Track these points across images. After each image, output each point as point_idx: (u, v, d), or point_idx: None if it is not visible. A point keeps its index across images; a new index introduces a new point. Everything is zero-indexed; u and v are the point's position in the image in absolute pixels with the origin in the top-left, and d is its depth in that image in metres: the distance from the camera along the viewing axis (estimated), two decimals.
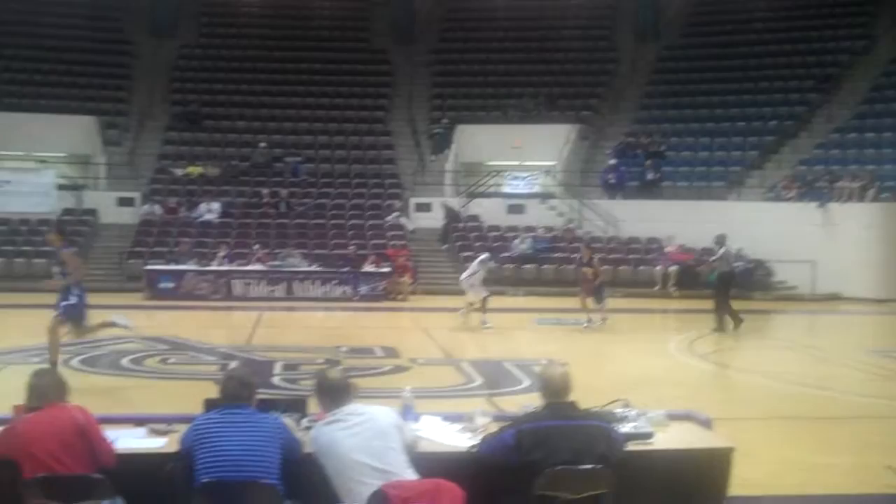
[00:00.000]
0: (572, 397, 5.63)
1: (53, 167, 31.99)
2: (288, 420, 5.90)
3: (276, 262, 26.86)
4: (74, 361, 14.28)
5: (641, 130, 34.98)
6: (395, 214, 31.41)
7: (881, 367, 15.95)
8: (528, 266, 28.76)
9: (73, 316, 12.95)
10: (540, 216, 31.47)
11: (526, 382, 12.96)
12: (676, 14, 41.14)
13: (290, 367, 14.39)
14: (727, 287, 20.13)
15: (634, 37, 40.80)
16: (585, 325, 19.46)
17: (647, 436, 6.07)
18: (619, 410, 6.28)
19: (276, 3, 43.07)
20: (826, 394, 13.21)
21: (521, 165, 34.08)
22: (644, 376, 13.61)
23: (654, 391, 11.82)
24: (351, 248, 28.17)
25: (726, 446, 6.11)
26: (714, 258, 20.81)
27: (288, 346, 17.18)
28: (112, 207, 31.33)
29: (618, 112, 37.49)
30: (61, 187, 31.11)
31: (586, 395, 5.81)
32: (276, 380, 13.01)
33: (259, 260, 26.92)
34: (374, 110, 38.28)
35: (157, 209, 30.96)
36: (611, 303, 20.55)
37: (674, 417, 6.60)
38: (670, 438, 6.18)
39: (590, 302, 19.75)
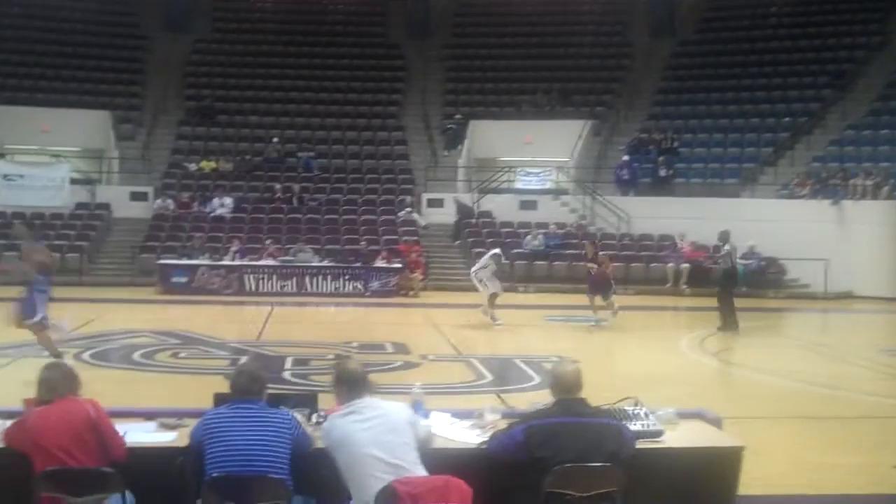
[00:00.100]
0: (583, 395, 5.63)
1: (67, 161, 32.04)
2: (298, 415, 5.91)
3: (288, 257, 26.87)
4: (86, 355, 14.32)
5: (655, 126, 34.87)
6: (407, 210, 31.39)
7: (893, 366, 15.91)
8: (539, 262, 28.70)
9: (20, 310, 12.83)
10: (552, 212, 31.41)
11: (536, 379, 12.96)
12: (690, 10, 40.98)
13: (300, 362, 14.41)
14: (731, 285, 20.02)
15: (648, 32, 40.64)
16: (594, 323, 19.38)
17: (657, 434, 6.06)
18: (629, 408, 6.27)
19: None
20: (837, 393, 13.18)
21: (533, 161, 34.05)
22: (654, 374, 13.60)
23: (664, 389, 11.80)
24: (362, 243, 28.19)
25: (737, 445, 6.09)
26: (719, 255, 20.67)
27: (299, 342, 17.20)
28: (125, 202, 31.39)
29: (631, 108, 37.38)
30: (74, 181, 31.16)
31: (596, 393, 5.80)
32: (286, 375, 13.05)
33: (271, 255, 26.94)
34: (387, 105, 38.27)
35: (170, 204, 31.01)
36: (622, 300, 20.53)
37: (684, 416, 6.58)
38: (680, 437, 6.17)
39: (598, 299, 19.66)
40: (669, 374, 13.91)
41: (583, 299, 20.71)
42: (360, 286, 26.20)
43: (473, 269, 20.37)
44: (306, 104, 37.68)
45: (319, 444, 5.66)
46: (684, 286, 27.59)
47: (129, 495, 5.36)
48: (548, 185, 33.38)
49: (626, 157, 32.79)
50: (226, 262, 26.48)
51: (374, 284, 26.21)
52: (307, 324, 21.69)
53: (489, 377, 13.50)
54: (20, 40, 36.52)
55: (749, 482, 6.17)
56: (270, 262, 26.60)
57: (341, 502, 5.34)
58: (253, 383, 5.59)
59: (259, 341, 17.11)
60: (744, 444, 6.08)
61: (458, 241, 30.62)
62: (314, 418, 6.17)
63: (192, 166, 33.53)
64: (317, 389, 9.98)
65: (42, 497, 5.21)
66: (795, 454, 9.15)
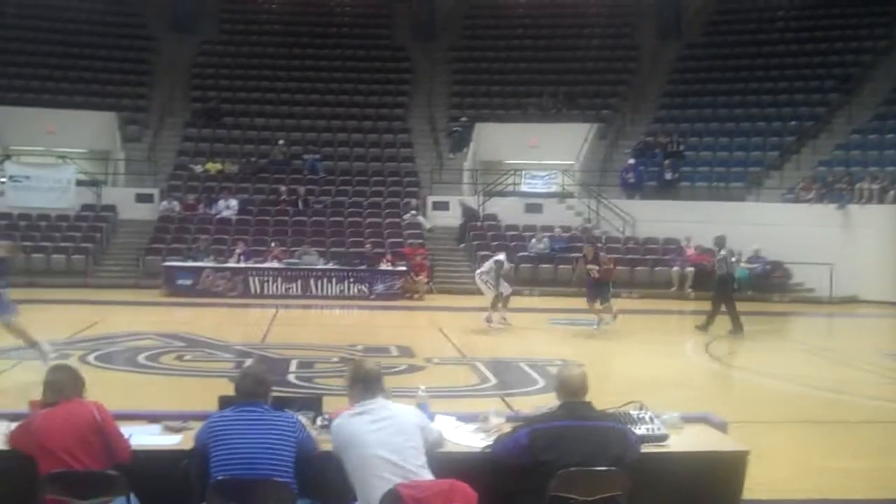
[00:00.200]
0: (588, 398, 5.62)
1: (73, 163, 32.08)
2: (303, 418, 5.91)
3: (293, 260, 26.87)
4: (91, 357, 14.32)
5: (660, 130, 34.86)
6: (412, 213, 31.40)
7: None
8: (544, 266, 28.68)
9: None
10: (557, 215, 31.42)
11: (541, 383, 12.96)
12: (697, 13, 40.99)
13: (305, 364, 14.40)
14: (726, 289, 19.99)
15: (655, 35, 40.63)
16: (595, 327, 19.34)
17: (662, 438, 6.05)
18: (633, 412, 6.26)
19: (296, 0, 43.17)
20: (842, 397, 13.16)
21: (539, 164, 34.04)
22: (659, 378, 13.58)
23: (669, 393, 11.80)
24: (367, 246, 28.19)
25: (742, 449, 6.09)
26: (716, 260, 20.57)
27: (303, 344, 17.18)
28: (131, 203, 31.43)
29: (637, 111, 37.38)
30: (80, 183, 31.20)
31: (601, 397, 5.80)
32: (291, 377, 13.04)
33: (276, 257, 26.96)
34: (393, 108, 38.29)
35: (176, 205, 31.04)
36: (627, 303, 20.51)
37: (689, 420, 6.58)
38: (685, 441, 6.17)
39: (597, 304, 19.58)
40: (674, 377, 13.89)
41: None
42: (364, 289, 26.20)
43: (478, 271, 20.38)
44: (312, 106, 37.71)
45: (324, 447, 5.68)
46: (689, 290, 27.55)
47: (133, 498, 5.37)
48: (553, 189, 33.37)
49: (631, 161, 32.80)
50: (231, 265, 26.49)
51: (379, 287, 26.20)
52: (312, 326, 21.68)
53: (493, 380, 13.49)
54: (26, 41, 36.64)
55: (753, 486, 6.16)
56: (275, 264, 26.61)
57: None
58: (258, 386, 5.60)
59: (264, 344, 17.11)
60: (749, 448, 6.07)
61: (463, 244, 30.62)
62: (319, 421, 6.16)
63: (198, 168, 33.58)
64: (321, 392, 9.99)
65: (47, 499, 5.21)
66: (799, 458, 9.14)
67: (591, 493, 5.24)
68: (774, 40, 38.05)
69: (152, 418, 6.36)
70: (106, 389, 7.75)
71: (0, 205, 30.12)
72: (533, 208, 31.73)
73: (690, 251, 28.44)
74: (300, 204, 31.46)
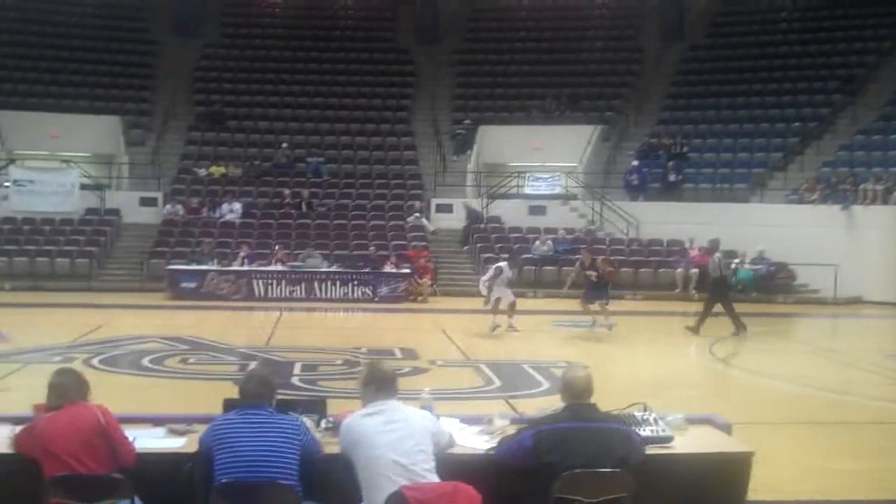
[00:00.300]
0: (592, 400, 5.62)
1: (77, 167, 32.12)
2: (307, 420, 5.91)
3: (297, 263, 26.90)
4: (95, 361, 14.33)
5: (664, 131, 34.86)
6: (416, 215, 31.39)
7: None
8: (548, 268, 28.66)
9: None
10: (561, 218, 31.39)
11: (545, 385, 12.96)
12: (700, 15, 40.99)
13: (309, 367, 14.42)
14: (720, 291, 19.98)
15: (658, 37, 40.62)
16: (591, 326, 19.23)
17: (667, 439, 6.05)
18: (638, 414, 6.26)
19: (299, 3, 43.25)
20: (846, 398, 13.16)
21: (542, 166, 34.03)
22: (663, 379, 13.59)
23: (673, 394, 11.80)
24: (371, 248, 28.19)
25: (746, 451, 6.08)
26: (712, 264, 20.49)
27: (307, 347, 17.20)
28: (135, 207, 31.43)
29: (641, 113, 37.35)
30: (84, 187, 31.22)
31: (604, 398, 5.79)
32: (295, 380, 13.05)
33: (280, 260, 26.97)
34: (396, 110, 38.30)
35: (180, 209, 31.05)
36: (631, 305, 20.48)
37: (693, 421, 6.57)
38: (690, 442, 6.16)
39: (594, 307, 19.49)
40: (678, 379, 13.90)
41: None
42: (368, 292, 26.20)
43: (482, 278, 20.25)
44: (315, 109, 37.74)
45: (329, 449, 5.69)
46: (693, 291, 27.49)
47: (138, 501, 5.38)
48: (557, 191, 33.34)
49: (635, 163, 32.79)
50: (235, 268, 26.49)
51: (383, 290, 26.21)
52: (316, 329, 21.70)
53: (498, 383, 13.49)
54: (30, 46, 36.74)
55: (757, 487, 6.15)
56: (279, 267, 26.62)
57: None
58: (263, 388, 5.60)
59: (268, 347, 17.12)
60: (753, 449, 6.07)
61: (466, 247, 30.62)
62: (323, 424, 6.17)
63: (202, 172, 33.58)
64: (326, 395, 10.00)
65: (51, 503, 5.22)
66: (803, 459, 9.14)
67: (595, 494, 5.24)
68: (778, 41, 38.04)
69: (157, 421, 6.37)
70: (110, 393, 7.75)
71: (4, 209, 30.20)
72: (536, 210, 31.72)
73: (694, 252, 28.38)
74: (304, 207, 31.47)
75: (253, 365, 13.47)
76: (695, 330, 19.35)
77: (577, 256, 27.89)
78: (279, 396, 5.90)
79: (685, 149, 33.68)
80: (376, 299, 25.94)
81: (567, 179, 33.46)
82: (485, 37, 41.58)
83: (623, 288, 26.77)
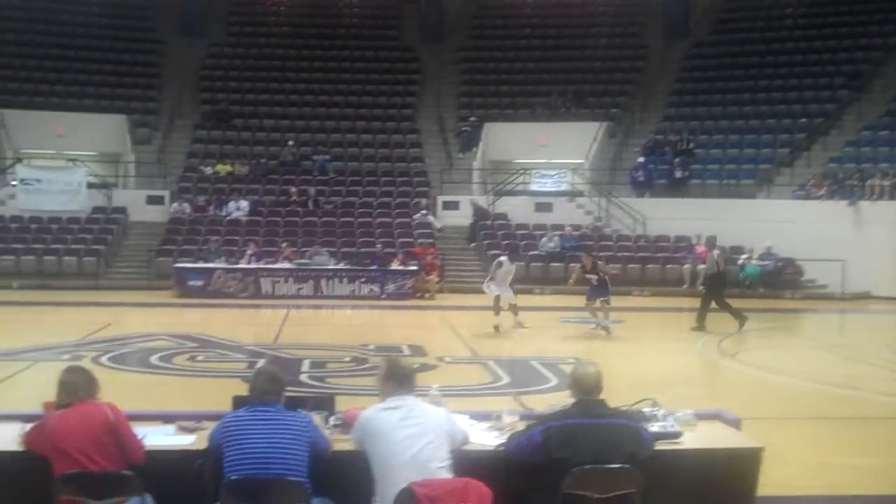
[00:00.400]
0: (601, 396, 5.62)
1: (84, 166, 32.19)
2: (316, 417, 5.92)
3: (304, 260, 26.92)
4: (104, 358, 14.35)
5: (670, 128, 34.84)
6: (422, 212, 31.41)
7: None
8: (555, 264, 28.63)
9: None
10: (568, 214, 31.41)
11: (553, 381, 12.96)
12: (705, 11, 40.96)
13: (317, 364, 14.42)
14: (716, 288, 19.96)
15: (663, 34, 40.60)
16: (600, 325, 19.19)
17: (676, 435, 6.05)
18: (647, 409, 6.26)
19: (304, 2, 43.26)
20: (855, 394, 13.15)
21: (548, 163, 34.03)
22: (671, 375, 13.57)
23: (681, 390, 11.78)
24: (378, 246, 28.23)
25: (756, 446, 6.07)
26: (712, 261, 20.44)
27: (315, 344, 17.20)
28: (141, 205, 31.50)
29: (646, 110, 37.34)
30: (91, 185, 31.29)
31: (613, 394, 5.79)
32: (303, 377, 13.06)
33: (287, 258, 27.00)
34: (402, 108, 38.33)
35: (187, 207, 31.09)
36: (638, 301, 20.45)
37: (702, 417, 6.56)
38: (699, 438, 6.16)
39: (596, 304, 19.35)
40: (686, 374, 13.90)
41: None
42: (376, 289, 26.21)
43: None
44: (321, 107, 37.77)
45: (337, 446, 5.70)
46: (701, 287, 27.43)
47: (148, 498, 5.39)
48: (563, 187, 33.33)
49: (641, 159, 32.77)
50: (242, 266, 26.53)
51: (390, 287, 26.21)
52: (323, 327, 21.73)
53: (506, 379, 13.49)
54: (36, 45, 36.82)
55: (765, 483, 6.14)
56: (286, 265, 26.65)
57: None
58: (272, 384, 5.62)
59: (276, 344, 17.14)
60: (763, 444, 6.06)
61: (473, 244, 30.62)
62: (331, 420, 6.18)
63: (208, 170, 33.63)
64: (334, 392, 10.01)
65: (62, 500, 5.23)
66: (811, 455, 9.12)
67: (605, 490, 5.24)
68: (783, 37, 37.99)
69: (166, 419, 6.38)
70: (119, 390, 7.76)
71: (12, 208, 30.31)
72: (543, 207, 31.71)
73: (701, 248, 28.22)
74: (310, 204, 31.50)
75: (261, 362, 13.48)
76: (699, 328, 19.33)
77: (578, 255, 27.94)
78: (288, 393, 5.90)
79: (691, 145, 33.64)
80: (383, 296, 25.95)
81: (573, 176, 33.45)
82: (490, 34, 41.58)
83: (630, 284, 26.79)
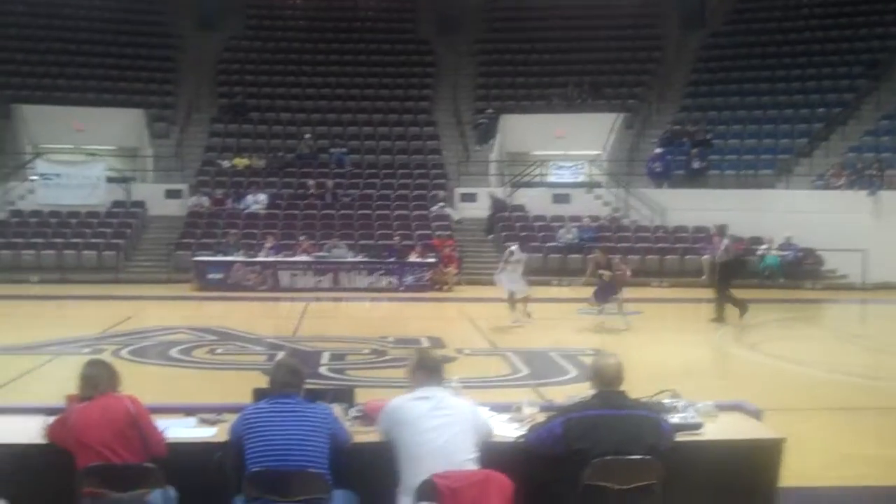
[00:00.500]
0: (622, 388, 5.62)
1: (102, 160, 32.29)
2: (336, 409, 5.94)
3: (323, 253, 26.95)
4: (124, 352, 14.43)
5: (687, 118, 34.70)
6: (440, 205, 31.39)
7: None
8: (573, 256, 28.58)
9: None
10: (585, 205, 31.31)
11: (572, 372, 12.95)
12: (721, 1, 40.75)
13: (337, 357, 14.46)
14: (728, 277, 19.90)
15: (679, 24, 40.42)
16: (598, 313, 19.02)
17: (697, 426, 6.04)
18: (667, 401, 6.26)
19: None
20: (876, 384, 13.09)
21: (566, 155, 33.96)
22: (691, 366, 13.55)
23: (701, 381, 11.78)
24: (396, 238, 28.23)
25: (778, 437, 6.06)
26: (722, 249, 20.34)
27: (334, 337, 17.27)
28: (160, 199, 31.58)
29: (663, 100, 37.20)
30: (110, 180, 31.38)
31: (633, 385, 5.78)
32: (323, 370, 13.10)
33: (305, 251, 27.04)
34: (418, 100, 38.29)
35: (205, 201, 31.15)
36: (658, 292, 20.38)
37: (723, 408, 6.55)
38: (720, 429, 6.15)
39: (609, 306, 19.18)
40: (706, 365, 13.88)
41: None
42: (394, 281, 26.23)
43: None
44: (338, 100, 37.74)
45: (358, 438, 5.72)
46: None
47: (171, 490, 5.42)
48: (581, 179, 33.28)
49: (658, 150, 32.65)
50: (260, 259, 26.57)
51: (409, 279, 26.24)
52: (342, 319, 21.77)
53: (525, 371, 13.49)
54: (53, 40, 36.90)
55: (786, 474, 6.13)
56: (305, 257, 26.70)
57: (383, 496, 5.37)
58: (292, 377, 5.64)
59: (295, 337, 17.19)
60: (784, 435, 6.04)
61: (491, 236, 30.58)
62: (352, 413, 6.20)
63: (226, 163, 33.67)
64: (354, 384, 10.04)
65: (84, 492, 5.26)
66: (833, 446, 9.09)
67: (625, 481, 5.24)
68: (800, 27, 37.74)
69: (187, 411, 6.41)
70: (140, 383, 7.80)
71: (31, 202, 30.46)
72: (561, 199, 31.62)
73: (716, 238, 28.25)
74: (328, 197, 31.52)
75: (281, 355, 13.52)
76: (718, 319, 19.24)
77: (603, 245, 27.85)
78: (308, 386, 5.92)
79: (709, 135, 33.51)
80: (402, 289, 25.96)
81: (591, 167, 33.39)
82: (505, 26, 41.44)
83: (649, 275, 26.75)
